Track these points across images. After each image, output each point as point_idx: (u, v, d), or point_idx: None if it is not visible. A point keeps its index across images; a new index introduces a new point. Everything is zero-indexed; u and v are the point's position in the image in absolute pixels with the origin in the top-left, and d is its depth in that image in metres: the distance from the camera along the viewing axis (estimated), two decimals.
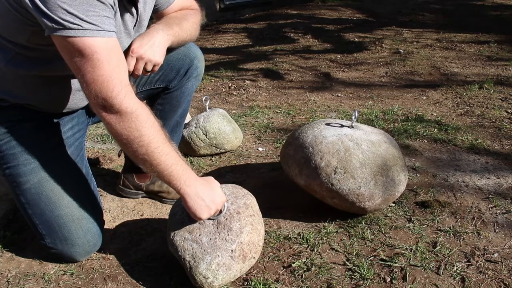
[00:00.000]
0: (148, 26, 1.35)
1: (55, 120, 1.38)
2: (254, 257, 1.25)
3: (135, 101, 1.11)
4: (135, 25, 1.29)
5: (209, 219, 1.23)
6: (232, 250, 1.19)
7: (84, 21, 1.03)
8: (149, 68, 1.30)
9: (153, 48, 1.29)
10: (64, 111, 1.37)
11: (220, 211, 1.24)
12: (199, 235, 1.22)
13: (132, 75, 1.29)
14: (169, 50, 1.37)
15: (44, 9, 1.01)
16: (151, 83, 1.55)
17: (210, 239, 1.21)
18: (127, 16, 1.24)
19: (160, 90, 1.58)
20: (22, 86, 1.27)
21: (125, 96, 1.09)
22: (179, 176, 1.16)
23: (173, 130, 1.67)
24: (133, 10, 1.25)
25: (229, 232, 1.21)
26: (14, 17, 1.11)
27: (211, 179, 1.25)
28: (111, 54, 1.08)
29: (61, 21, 1.02)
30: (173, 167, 1.15)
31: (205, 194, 1.19)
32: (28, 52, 1.19)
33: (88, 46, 1.04)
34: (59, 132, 1.38)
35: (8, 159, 1.29)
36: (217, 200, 1.21)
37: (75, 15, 1.02)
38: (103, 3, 1.07)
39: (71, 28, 1.03)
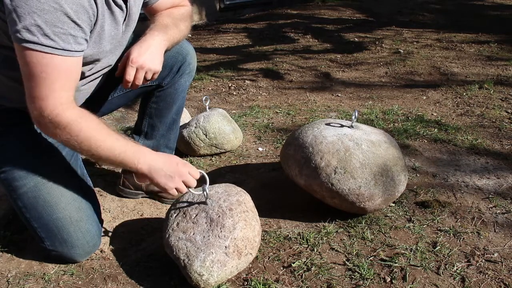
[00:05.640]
0: (143, 31, 1.33)
1: None
2: (251, 253, 1.25)
3: (70, 113, 1.11)
4: (125, 20, 1.27)
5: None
6: (226, 247, 1.20)
7: (46, 35, 1.03)
8: (149, 76, 1.29)
9: (152, 56, 1.27)
10: None
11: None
12: (193, 234, 1.22)
13: (132, 85, 1.28)
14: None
15: (14, 14, 1.00)
16: None
17: (204, 237, 1.21)
18: (117, 11, 1.22)
19: (153, 88, 1.58)
20: (16, 88, 1.25)
21: (58, 113, 1.10)
22: (131, 159, 1.19)
23: (170, 128, 1.67)
24: (123, 4, 1.23)
25: (222, 229, 1.21)
26: None
27: (168, 154, 1.28)
28: (60, 74, 1.08)
29: (24, 30, 1.01)
30: (123, 155, 1.18)
31: (162, 164, 1.21)
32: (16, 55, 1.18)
33: (41, 64, 1.05)
34: None
35: (3, 164, 1.29)
36: (176, 170, 1.22)
37: (41, 28, 1.02)
38: (74, 22, 1.06)
39: (30, 41, 1.02)
